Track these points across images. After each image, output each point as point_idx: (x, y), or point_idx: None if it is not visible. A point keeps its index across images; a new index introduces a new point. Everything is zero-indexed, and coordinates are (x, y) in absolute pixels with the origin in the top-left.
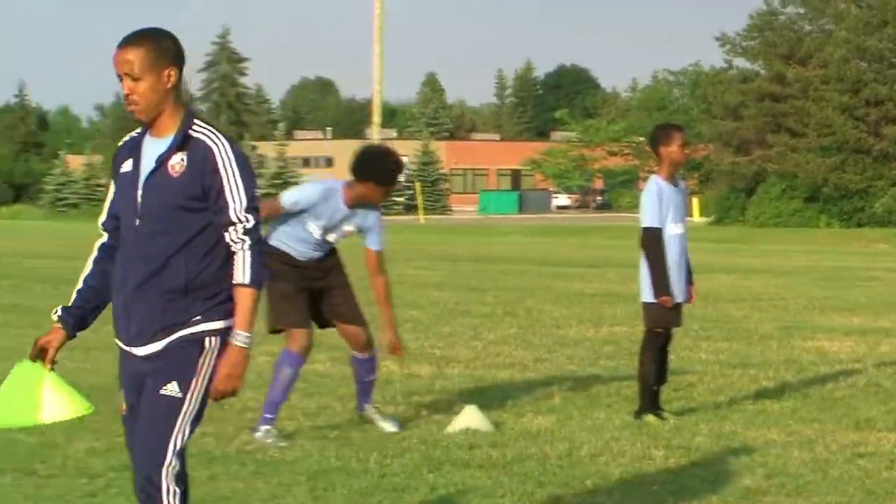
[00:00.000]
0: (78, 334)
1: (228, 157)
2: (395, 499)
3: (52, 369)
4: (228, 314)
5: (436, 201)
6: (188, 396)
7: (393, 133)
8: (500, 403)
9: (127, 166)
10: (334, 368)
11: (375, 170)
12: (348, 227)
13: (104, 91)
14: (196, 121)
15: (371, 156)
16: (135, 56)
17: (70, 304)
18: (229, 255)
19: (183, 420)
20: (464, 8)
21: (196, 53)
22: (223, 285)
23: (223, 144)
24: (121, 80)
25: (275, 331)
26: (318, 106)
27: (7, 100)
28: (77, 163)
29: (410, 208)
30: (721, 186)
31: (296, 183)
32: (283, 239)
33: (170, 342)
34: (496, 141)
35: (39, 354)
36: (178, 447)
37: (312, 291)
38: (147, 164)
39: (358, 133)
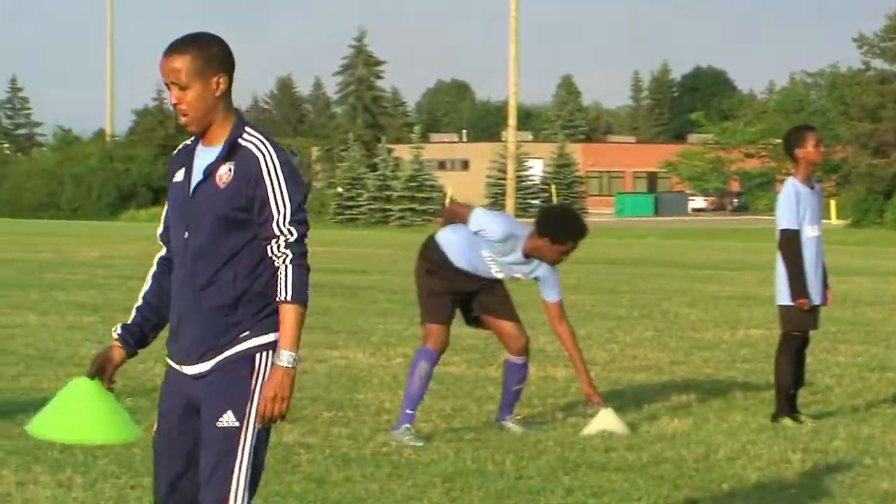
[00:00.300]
0: (139, 352)
1: (274, 166)
2: (531, 501)
3: (110, 389)
4: (279, 325)
5: (571, 204)
6: (245, 423)
7: (528, 136)
8: (636, 406)
9: (179, 176)
10: (469, 371)
11: (554, 227)
12: (517, 274)
13: (242, 94)
14: (246, 128)
15: (554, 212)
16: (181, 63)
17: (129, 322)
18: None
19: (244, 449)
20: (600, 10)
21: (332, 56)
22: (273, 297)
23: (270, 153)
24: (169, 88)
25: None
26: (454, 109)
27: (146, 103)
28: None
29: None
30: (859, 189)
31: (431, 186)
32: (454, 248)
33: (219, 362)
34: (632, 143)
35: (98, 373)
36: (242, 478)
37: (465, 293)
38: (196, 175)
39: (493, 136)
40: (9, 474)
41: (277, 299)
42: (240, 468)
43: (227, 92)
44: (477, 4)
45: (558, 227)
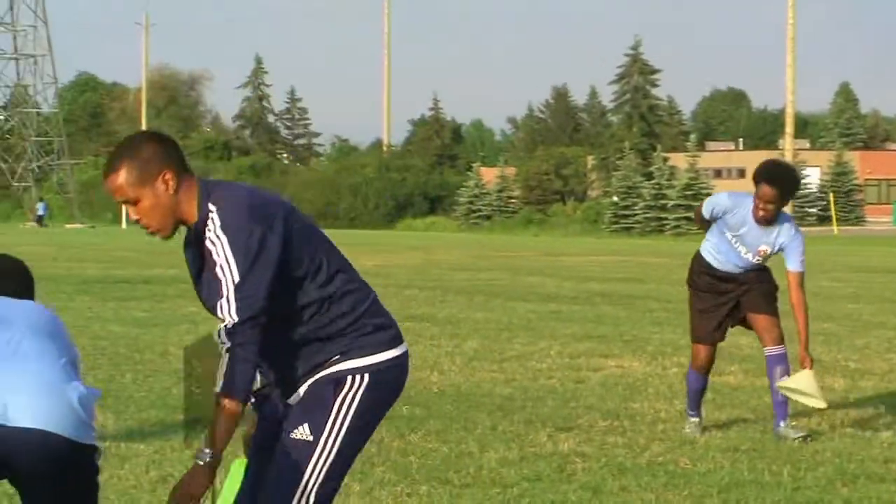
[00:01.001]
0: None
1: (218, 237)
2: None
3: None
4: (377, 347)
5: (849, 212)
6: (321, 440)
7: (806, 143)
8: None
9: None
10: (745, 381)
11: (760, 170)
12: (763, 246)
13: (517, 104)
14: (209, 204)
15: (766, 160)
16: (121, 179)
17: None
18: (352, 291)
19: (314, 467)
20: (878, 16)
21: (608, 65)
22: (359, 321)
23: (214, 223)
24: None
25: None
26: (730, 117)
27: (422, 113)
28: (490, 175)
29: (824, 219)
30: None
31: (707, 195)
32: (710, 248)
33: (310, 384)
34: None
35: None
36: (305, 498)
37: (733, 300)
38: (194, 271)
39: (770, 144)
40: None
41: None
42: (305, 486)
43: (182, 181)
44: (753, 12)
45: (764, 167)
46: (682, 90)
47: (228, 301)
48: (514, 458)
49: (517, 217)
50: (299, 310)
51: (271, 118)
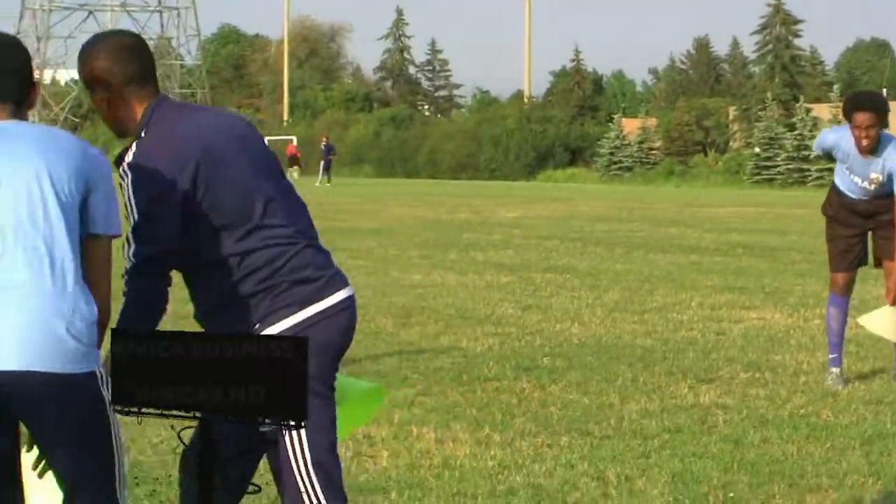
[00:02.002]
0: None
1: (126, 174)
2: None
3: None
4: (293, 306)
5: None
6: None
7: None
8: None
9: None
10: None
11: (848, 103)
12: (873, 174)
13: (658, 55)
14: (141, 132)
15: (847, 94)
16: (79, 74)
17: None
18: (271, 246)
19: (299, 444)
20: None
21: (750, 15)
22: (275, 276)
23: (127, 157)
24: None
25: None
26: (873, 67)
27: (563, 64)
28: (632, 126)
29: None
30: None
31: None
32: (837, 179)
33: None
34: None
35: None
36: (311, 474)
37: (866, 230)
38: None
39: None
40: (428, 431)
41: None
42: (304, 464)
43: (122, 102)
44: None
45: (845, 104)
46: (826, 41)
47: (128, 241)
48: (654, 410)
49: (658, 168)
50: (215, 264)
51: (412, 70)
